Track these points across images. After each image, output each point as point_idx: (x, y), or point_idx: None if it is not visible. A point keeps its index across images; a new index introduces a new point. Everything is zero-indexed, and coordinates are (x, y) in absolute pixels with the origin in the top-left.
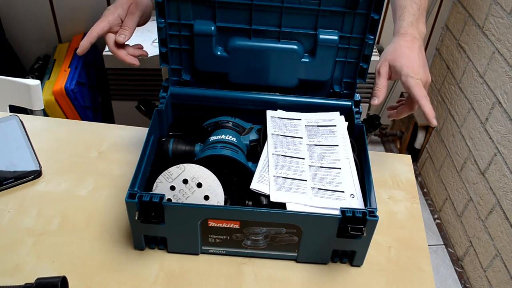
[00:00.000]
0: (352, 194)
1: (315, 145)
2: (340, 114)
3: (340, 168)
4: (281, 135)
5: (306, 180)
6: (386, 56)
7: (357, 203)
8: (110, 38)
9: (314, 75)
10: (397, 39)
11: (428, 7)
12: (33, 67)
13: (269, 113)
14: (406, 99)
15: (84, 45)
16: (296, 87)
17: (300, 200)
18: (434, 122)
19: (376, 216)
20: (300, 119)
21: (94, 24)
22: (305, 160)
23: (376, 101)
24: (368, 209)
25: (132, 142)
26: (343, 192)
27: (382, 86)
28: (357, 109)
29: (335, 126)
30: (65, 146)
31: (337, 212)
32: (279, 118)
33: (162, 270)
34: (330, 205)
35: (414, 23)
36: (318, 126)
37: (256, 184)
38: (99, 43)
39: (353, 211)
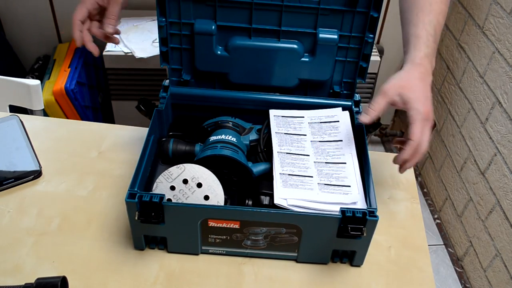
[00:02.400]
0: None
1: (319, 141)
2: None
3: (345, 163)
4: (285, 133)
5: (312, 177)
6: (398, 82)
7: (360, 201)
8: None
9: (314, 75)
10: (411, 68)
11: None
12: (33, 67)
13: (272, 112)
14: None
15: (77, 36)
16: (296, 87)
17: (307, 196)
18: (400, 171)
19: (376, 216)
20: (303, 117)
21: (74, 11)
22: (310, 156)
23: (364, 118)
24: (368, 209)
25: (132, 142)
26: (349, 186)
27: (378, 107)
28: (357, 109)
29: (338, 121)
30: (65, 146)
31: (345, 207)
32: (282, 116)
33: (162, 270)
34: (338, 200)
35: (429, 56)
36: (321, 122)
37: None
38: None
39: (353, 211)
